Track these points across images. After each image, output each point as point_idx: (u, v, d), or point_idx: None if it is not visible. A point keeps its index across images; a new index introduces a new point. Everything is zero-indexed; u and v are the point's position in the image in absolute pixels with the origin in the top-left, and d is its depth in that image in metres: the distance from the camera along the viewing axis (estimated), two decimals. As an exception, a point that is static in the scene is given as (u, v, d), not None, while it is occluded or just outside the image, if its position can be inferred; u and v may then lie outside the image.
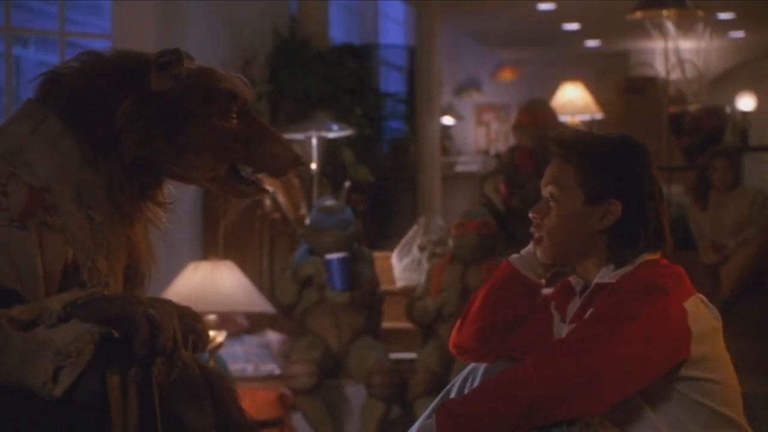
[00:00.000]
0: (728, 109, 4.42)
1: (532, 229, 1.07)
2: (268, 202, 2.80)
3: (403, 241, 3.19)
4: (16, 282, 0.83)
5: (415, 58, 4.39)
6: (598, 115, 4.48)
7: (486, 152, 6.41)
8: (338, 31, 4.63)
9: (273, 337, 2.59)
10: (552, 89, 4.51)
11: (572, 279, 1.07)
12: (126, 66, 0.92)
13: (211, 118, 0.92)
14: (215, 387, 0.91)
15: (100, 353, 0.79)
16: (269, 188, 0.99)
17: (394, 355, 2.36)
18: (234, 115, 0.93)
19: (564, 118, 3.97)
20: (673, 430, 0.96)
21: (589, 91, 4.52)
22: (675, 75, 4.60)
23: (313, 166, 3.09)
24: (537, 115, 2.64)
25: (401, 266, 3.11)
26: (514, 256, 1.11)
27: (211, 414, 0.89)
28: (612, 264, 1.02)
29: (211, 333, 1.73)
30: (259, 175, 0.95)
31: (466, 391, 1.04)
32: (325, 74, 3.34)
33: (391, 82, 4.32)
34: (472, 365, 1.09)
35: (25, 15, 3.10)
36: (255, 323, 2.66)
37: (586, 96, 4.46)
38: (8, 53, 2.64)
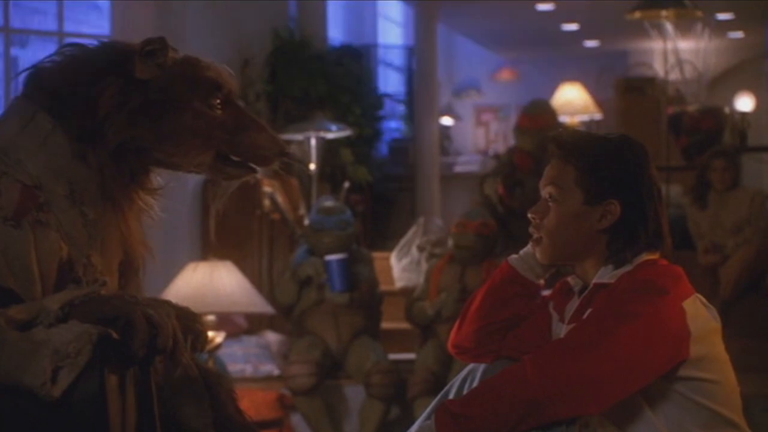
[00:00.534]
0: (727, 110, 4.42)
1: (531, 230, 1.07)
2: (267, 202, 2.80)
3: (402, 241, 3.19)
4: (11, 281, 0.82)
5: (414, 59, 4.40)
6: (597, 116, 4.48)
7: (485, 152, 6.42)
8: (337, 32, 4.63)
9: (272, 337, 2.59)
10: (551, 89, 4.51)
11: (571, 279, 1.07)
12: (109, 56, 0.92)
13: (195, 105, 0.92)
14: (213, 387, 0.91)
15: (98, 353, 0.79)
16: (258, 170, 0.98)
17: (392, 356, 2.36)
18: (219, 104, 0.94)
19: (563, 119, 3.97)
20: (671, 430, 0.96)
21: (588, 91, 4.52)
22: (674, 75, 4.61)
23: (312, 166, 3.09)
24: (538, 119, 2.63)
25: (400, 266, 3.11)
26: (513, 256, 1.11)
27: (210, 414, 0.88)
28: (611, 264, 1.02)
29: (210, 334, 1.73)
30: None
31: (465, 392, 1.04)
32: (324, 74, 3.34)
33: (390, 82, 4.32)
34: (471, 365, 1.09)
35: (24, 15, 3.10)
36: (254, 324, 2.66)
37: (585, 96, 4.46)
38: (7, 53, 2.64)
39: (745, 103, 5.64)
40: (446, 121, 6.23)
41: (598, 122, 4.45)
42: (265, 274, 2.76)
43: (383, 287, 2.55)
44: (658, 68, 4.88)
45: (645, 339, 0.94)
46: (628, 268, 1.00)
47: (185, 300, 1.96)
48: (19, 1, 3.02)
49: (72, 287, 0.85)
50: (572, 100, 4.40)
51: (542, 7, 5.24)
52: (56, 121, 0.89)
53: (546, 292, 1.11)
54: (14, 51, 2.73)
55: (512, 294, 1.09)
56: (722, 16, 5.17)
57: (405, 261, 3.09)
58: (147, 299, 0.88)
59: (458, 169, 5.64)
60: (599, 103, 4.56)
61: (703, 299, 1.01)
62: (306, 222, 2.56)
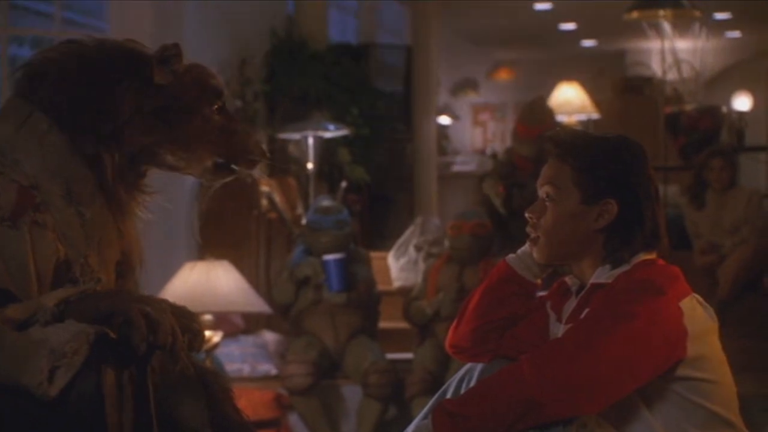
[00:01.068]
0: (724, 109, 4.43)
1: (528, 229, 1.07)
2: (264, 202, 2.80)
3: (400, 241, 3.18)
4: (8, 281, 0.82)
5: (412, 58, 4.39)
6: (595, 115, 4.49)
7: (482, 152, 6.42)
8: (335, 31, 4.63)
9: (269, 337, 2.59)
10: (549, 89, 4.52)
11: (568, 279, 1.07)
12: (126, 60, 0.93)
13: (204, 112, 0.95)
14: (210, 386, 0.91)
15: (94, 353, 0.78)
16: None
17: (390, 356, 2.36)
18: (217, 110, 0.97)
19: (561, 118, 3.97)
20: (668, 430, 0.96)
21: (585, 91, 4.52)
22: (671, 75, 4.61)
23: (310, 165, 3.09)
24: (534, 129, 2.63)
25: (398, 266, 3.11)
26: (511, 256, 1.11)
27: (207, 413, 0.88)
28: (608, 264, 1.02)
29: (208, 333, 1.73)
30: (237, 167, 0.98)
31: (462, 391, 1.04)
32: (322, 74, 3.34)
33: (388, 82, 4.32)
34: (468, 365, 1.09)
35: (22, 15, 3.09)
36: (251, 323, 2.66)
37: (583, 96, 4.47)
38: (4, 53, 2.64)
39: (742, 102, 5.66)
40: (444, 120, 6.23)
41: (595, 122, 4.45)
42: (263, 274, 2.75)
43: (381, 287, 2.55)
44: (656, 68, 4.89)
45: (642, 339, 0.94)
46: (625, 268, 1.00)
47: (182, 300, 1.95)
48: (17, 1, 3.01)
49: (68, 287, 0.85)
50: (570, 100, 4.41)
51: (540, 6, 5.25)
52: (54, 121, 0.89)
53: (542, 294, 1.11)
54: (12, 50, 2.72)
55: (509, 293, 1.09)
56: (720, 16, 5.18)
57: (402, 261, 3.09)
58: (143, 296, 0.88)
59: (456, 168, 5.64)
60: (597, 102, 4.57)
61: (700, 299, 1.01)
62: (303, 222, 2.56)
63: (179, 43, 0.94)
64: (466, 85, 6.96)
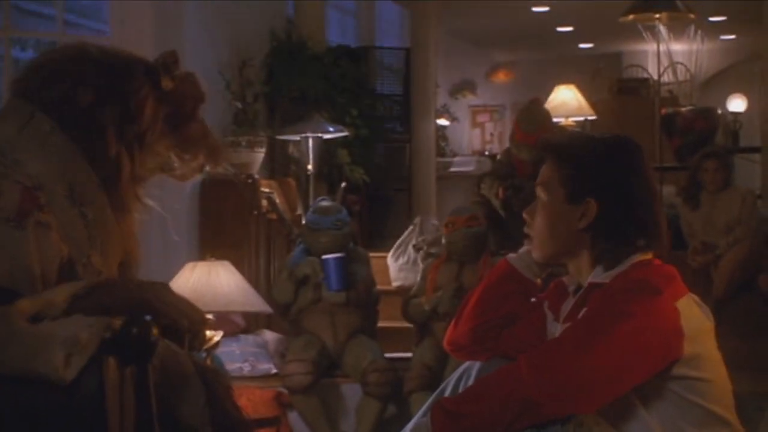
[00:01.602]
0: (719, 111, 4.46)
1: (525, 229, 1.09)
2: (264, 202, 2.81)
3: (399, 241, 3.20)
4: (13, 281, 0.83)
5: (411, 60, 4.41)
6: (592, 117, 4.51)
7: (481, 153, 6.44)
8: (335, 33, 4.65)
9: (269, 336, 2.60)
10: (546, 91, 4.54)
11: (566, 279, 1.08)
12: (145, 68, 0.96)
13: (198, 116, 0.99)
14: (211, 384, 0.92)
15: (100, 348, 0.80)
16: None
17: (389, 355, 2.37)
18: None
19: (558, 120, 3.99)
20: (665, 429, 0.97)
21: (582, 92, 4.55)
22: (667, 77, 4.65)
23: (309, 167, 3.11)
24: (531, 136, 2.65)
25: (397, 266, 3.13)
26: (511, 255, 1.13)
27: (207, 410, 0.90)
28: (599, 265, 1.03)
29: (208, 332, 1.74)
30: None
31: (460, 390, 1.06)
32: (322, 75, 3.35)
33: (387, 83, 4.34)
34: (466, 364, 1.10)
35: (24, 17, 3.10)
36: (251, 323, 2.67)
37: (580, 98, 4.49)
38: (7, 56, 2.65)
39: (737, 104, 5.69)
40: (442, 121, 6.25)
41: (592, 123, 4.48)
42: (263, 274, 2.77)
43: (380, 287, 2.56)
44: (652, 70, 4.92)
45: (639, 339, 0.95)
46: (622, 268, 1.01)
47: (184, 299, 1.97)
48: (19, 2, 3.02)
49: (75, 282, 0.86)
50: (567, 102, 4.43)
51: (537, 9, 5.28)
52: (56, 123, 0.90)
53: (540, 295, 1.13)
54: (15, 53, 2.73)
55: (509, 291, 1.10)
56: (714, 19, 5.21)
57: (401, 260, 3.11)
58: (144, 282, 0.89)
59: (454, 169, 5.66)
60: (593, 104, 4.59)
61: (697, 299, 1.02)
62: (303, 222, 2.58)
63: (176, 51, 0.97)
64: (464, 86, 6.99)
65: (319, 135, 3.10)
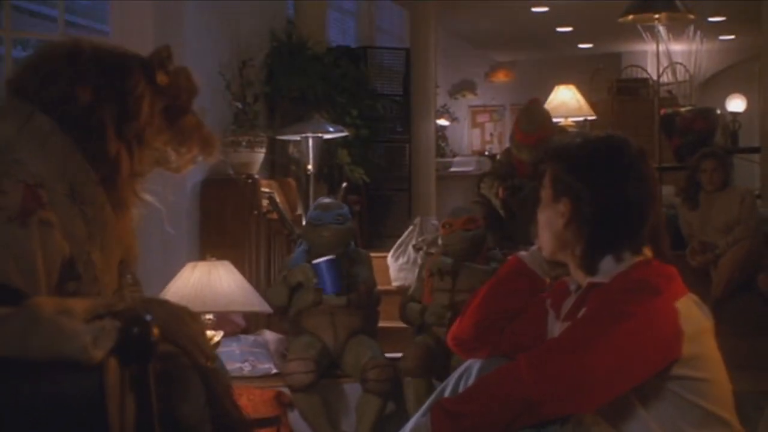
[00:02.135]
0: (718, 111, 4.46)
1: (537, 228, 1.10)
2: (265, 202, 2.82)
3: (399, 241, 3.21)
4: (18, 280, 0.83)
5: (411, 60, 4.42)
6: (591, 117, 4.52)
7: (481, 153, 6.45)
8: (335, 33, 4.65)
9: (269, 336, 2.60)
10: (546, 91, 4.55)
11: (568, 278, 1.08)
12: (141, 64, 0.96)
13: (192, 110, 0.99)
14: (210, 383, 0.92)
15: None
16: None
17: (390, 355, 2.38)
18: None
19: (557, 121, 4.00)
20: (664, 428, 0.97)
21: (581, 93, 4.56)
22: (666, 77, 4.65)
23: (309, 167, 3.11)
24: (530, 136, 2.65)
25: (397, 266, 3.14)
26: (522, 252, 1.14)
27: (207, 410, 0.90)
28: (581, 267, 1.03)
29: (209, 333, 1.74)
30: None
31: (460, 389, 1.06)
32: (322, 76, 3.35)
33: (387, 83, 4.35)
34: (466, 363, 1.10)
35: (24, 17, 3.10)
36: (252, 323, 2.67)
37: (579, 98, 4.50)
38: (8, 56, 2.65)
39: (736, 104, 5.70)
40: (442, 122, 6.26)
41: (591, 123, 4.49)
42: (263, 274, 2.77)
43: (380, 287, 2.56)
44: (651, 70, 4.92)
45: (638, 339, 0.95)
46: (621, 267, 1.01)
47: (184, 299, 1.98)
48: (20, 2, 3.03)
49: (99, 299, 0.86)
50: (566, 102, 4.44)
51: (537, 9, 5.28)
52: (56, 122, 0.90)
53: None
54: (16, 53, 2.74)
55: (518, 288, 1.11)
56: (714, 19, 5.22)
57: (401, 260, 3.11)
58: (148, 300, 0.90)
59: (454, 169, 5.67)
60: (593, 104, 4.60)
61: (696, 299, 1.02)
62: (304, 223, 2.58)
63: (169, 45, 0.97)
64: (464, 86, 7.00)
65: (319, 135, 3.10)
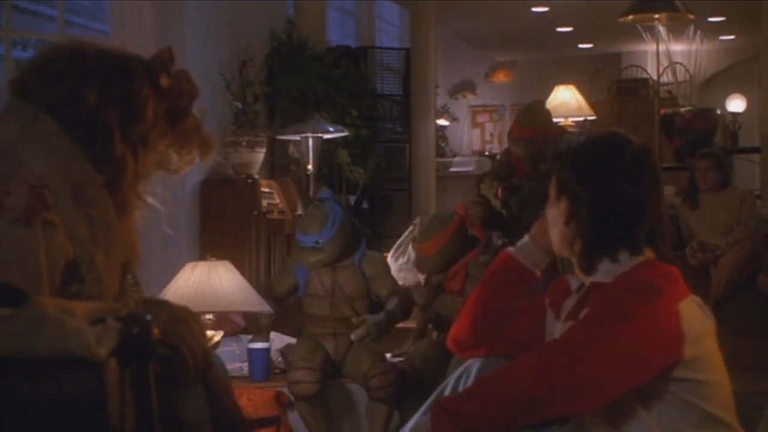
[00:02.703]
0: (718, 111, 4.47)
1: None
2: (265, 203, 2.82)
3: (399, 241, 3.21)
4: (21, 281, 0.83)
5: (411, 61, 4.42)
6: (591, 117, 4.52)
7: (481, 153, 6.46)
8: (335, 34, 4.66)
9: (270, 336, 2.60)
10: (546, 91, 4.56)
11: (569, 277, 1.08)
12: (144, 67, 0.96)
13: (192, 111, 1.00)
14: (210, 383, 0.92)
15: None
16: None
17: (392, 354, 2.36)
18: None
19: (557, 121, 4.00)
20: (664, 429, 0.97)
21: (581, 93, 4.56)
22: (666, 77, 4.65)
23: (309, 167, 3.11)
24: (526, 130, 2.65)
25: (397, 266, 3.13)
26: (510, 248, 1.14)
27: (207, 410, 0.90)
28: (580, 266, 1.03)
29: (209, 333, 1.74)
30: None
31: (460, 389, 1.06)
32: (322, 76, 3.35)
33: (387, 83, 4.35)
34: (466, 363, 1.11)
35: (25, 18, 3.10)
36: (252, 323, 2.67)
37: (579, 98, 4.50)
38: (8, 56, 2.65)
39: (736, 104, 5.70)
40: (442, 122, 6.26)
41: (591, 123, 4.49)
42: (263, 274, 2.77)
43: (379, 287, 2.55)
44: (651, 70, 4.93)
45: (639, 340, 0.95)
46: (624, 268, 1.00)
47: (184, 299, 1.98)
48: (20, 2, 3.03)
49: (101, 303, 0.86)
50: (566, 102, 4.44)
51: (537, 9, 5.28)
52: (60, 124, 0.90)
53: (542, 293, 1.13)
54: (15, 53, 2.74)
55: (509, 281, 1.11)
56: (714, 19, 5.22)
57: (401, 260, 3.11)
58: (151, 300, 0.91)
59: (454, 169, 5.67)
60: (593, 104, 4.60)
61: (699, 300, 1.02)
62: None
63: (171, 47, 0.98)
64: (464, 86, 7.00)
65: (319, 135, 3.10)
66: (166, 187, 1.02)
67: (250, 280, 2.31)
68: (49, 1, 3.12)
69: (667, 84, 4.80)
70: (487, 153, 6.34)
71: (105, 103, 0.93)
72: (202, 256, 2.44)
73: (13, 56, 2.68)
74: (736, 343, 2.18)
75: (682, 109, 4.25)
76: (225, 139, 2.83)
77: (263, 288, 2.36)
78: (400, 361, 2.24)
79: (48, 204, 0.87)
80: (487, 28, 5.82)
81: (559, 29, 5.91)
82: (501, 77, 7.06)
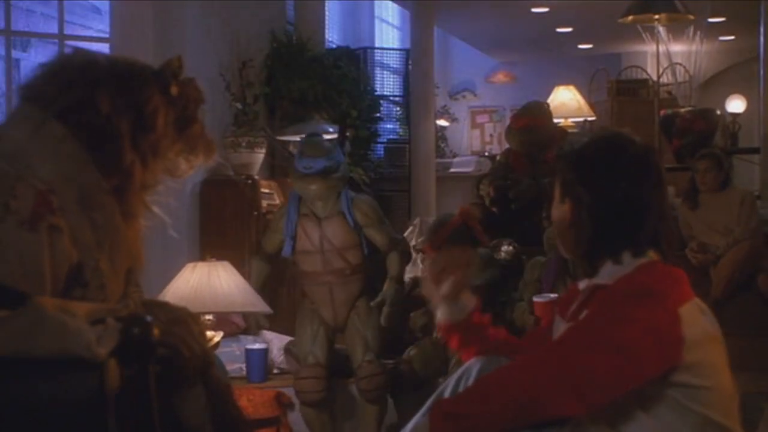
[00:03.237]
0: (718, 112, 4.47)
1: None
2: (265, 203, 2.82)
3: (399, 241, 3.20)
4: (25, 284, 0.83)
5: (411, 61, 4.43)
6: (591, 117, 4.52)
7: (480, 154, 6.46)
8: (335, 35, 4.66)
9: (270, 336, 2.60)
10: (546, 92, 4.56)
11: (580, 283, 1.08)
12: (153, 75, 0.97)
13: (199, 118, 1.01)
14: (211, 383, 0.93)
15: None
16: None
17: (388, 354, 2.36)
18: None
19: (557, 121, 4.01)
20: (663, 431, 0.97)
21: (581, 93, 4.56)
22: (666, 78, 4.66)
23: (310, 167, 3.10)
24: (519, 119, 2.67)
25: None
26: (438, 313, 1.14)
27: (207, 410, 0.90)
28: (584, 267, 1.04)
29: (209, 333, 1.74)
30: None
31: (460, 390, 1.06)
32: (322, 76, 3.36)
33: (387, 84, 4.35)
34: (466, 364, 1.11)
35: (26, 18, 3.11)
36: (251, 323, 2.67)
37: (579, 98, 4.51)
38: (8, 56, 2.65)
39: (736, 105, 5.70)
40: (442, 122, 6.26)
41: (591, 124, 4.49)
42: (263, 274, 2.77)
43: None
44: (651, 71, 4.93)
45: (638, 343, 0.95)
46: (626, 269, 1.00)
47: (183, 300, 1.98)
48: (20, 2, 3.03)
49: (102, 305, 0.86)
50: (566, 102, 4.45)
51: (537, 9, 5.29)
52: (69, 130, 0.91)
53: (553, 297, 1.13)
54: (15, 54, 2.74)
55: (464, 341, 1.13)
56: (713, 20, 5.22)
57: (401, 261, 3.10)
58: (150, 302, 0.91)
59: (454, 170, 5.67)
60: (593, 105, 4.60)
61: (703, 305, 1.01)
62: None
63: (181, 56, 1.00)
64: (464, 87, 7.00)
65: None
66: (166, 188, 1.02)
67: (249, 281, 2.31)
68: (49, 1, 3.12)
69: (667, 84, 4.81)
70: (486, 154, 6.35)
71: (116, 111, 0.94)
72: (201, 257, 2.44)
73: (14, 57, 2.68)
74: (736, 344, 2.18)
75: (682, 110, 4.25)
76: (225, 140, 2.83)
77: (256, 252, 2.35)
78: (400, 361, 2.24)
79: (54, 208, 0.87)
80: (487, 28, 5.82)
81: (559, 30, 5.91)
82: (501, 78, 7.06)
